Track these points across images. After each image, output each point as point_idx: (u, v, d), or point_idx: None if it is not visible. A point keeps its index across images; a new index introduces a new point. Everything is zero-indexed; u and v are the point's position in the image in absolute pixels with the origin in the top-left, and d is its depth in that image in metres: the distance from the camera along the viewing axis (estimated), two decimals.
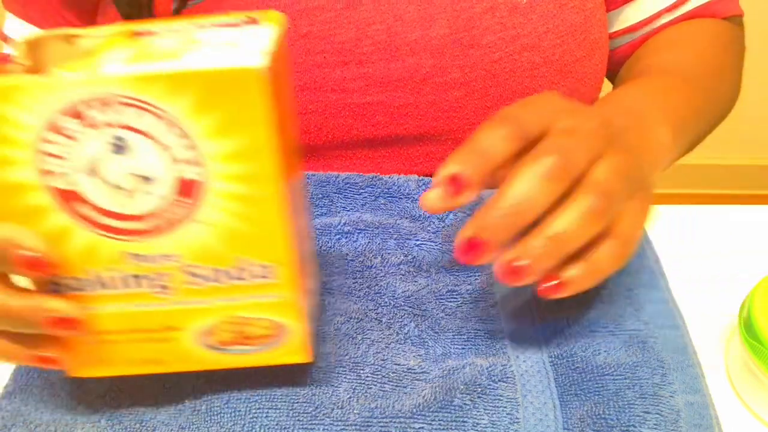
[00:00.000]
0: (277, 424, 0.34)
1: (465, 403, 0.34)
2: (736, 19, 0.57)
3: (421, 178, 0.46)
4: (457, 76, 0.46)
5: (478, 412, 0.34)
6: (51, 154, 0.27)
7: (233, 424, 0.34)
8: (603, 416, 0.34)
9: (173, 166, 0.27)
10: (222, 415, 0.34)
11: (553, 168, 0.30)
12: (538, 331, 0.39)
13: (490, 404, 0.34)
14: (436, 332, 0.39)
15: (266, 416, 0.34)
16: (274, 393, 0.35)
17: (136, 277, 0.30)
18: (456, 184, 0.30)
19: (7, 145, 0.26)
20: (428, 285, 0.41)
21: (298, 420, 0.34)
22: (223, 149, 0.27)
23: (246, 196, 0.28)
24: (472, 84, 0.46)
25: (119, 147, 0.27)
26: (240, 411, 0.34)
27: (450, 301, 0.40)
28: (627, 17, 0.55)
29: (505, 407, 0.34)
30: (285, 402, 0.35)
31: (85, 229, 0.28)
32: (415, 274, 0.41)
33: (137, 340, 0.32)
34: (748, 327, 0.36)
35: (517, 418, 0.34)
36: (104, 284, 0.30)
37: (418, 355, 0.38)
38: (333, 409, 0.34)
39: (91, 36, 0.30)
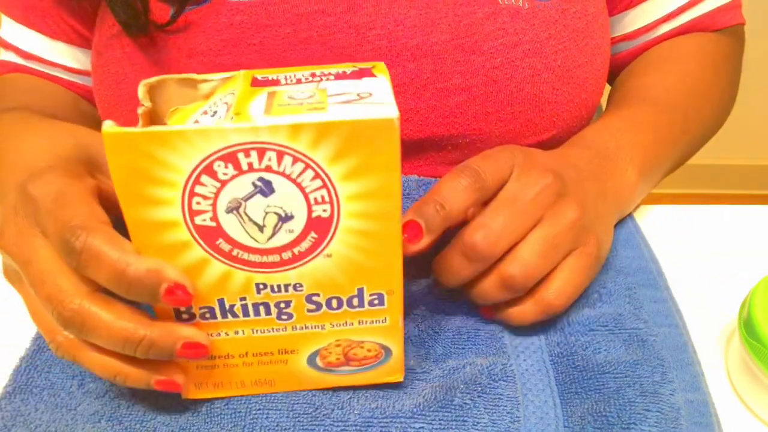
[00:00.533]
0: (277, 425, 0.34)
1: (465, 402, 0.34)
2: (736, 29, 0.57)
3: (421, 178, 0.46)
4: (458, 82, 0.46)
5: (478, 411, 0.34)
6: (198, 194, 0.28)
7: (233, 426, 0.34)
8: (603, 414, 0.34)
9: (308, 205, 0.29)
10: (222, 416, 0.34)
11: (475, 253, 0.35)
12: (538, 330, 0.39)
13: (491, 403, 0.34)
14: (436, 332, 0.39)
15: (266, 417, 0.34)
16: (274, 394, 0.35)
17: (261, 305, 0.32)
18: (413, 232, 0.34)
19: (159, 186, 0.28)
20: (428, 285, 0.41)
21: (298, 421, 0.34)
22: (355, 190, 0.29)
23: (371, 231, 0.30)
24: (473, 89, 0.46)
25: (262, 189, 0.28)
26: (240, 412, 0.34)
27: (450, 301, 0.40)
28: (627, 23, 0.55)
29: (505, 406, 0.34)
30: (285, 403, 0.35)
31: (220, 261, 0.30)
32: (415, 274, 0.41)
33: (253, 363, 0.34)
34: (748, 327, 0.36)
35: (517, 417, 0.34)
36: (231, 313, 0.32)
37: (418, 355, 0.38)
38: (333, 410, 0.34)
39: (209, 80, 0.31)
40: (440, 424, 0.34)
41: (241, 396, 0.35)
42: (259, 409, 0.34)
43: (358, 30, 0.45)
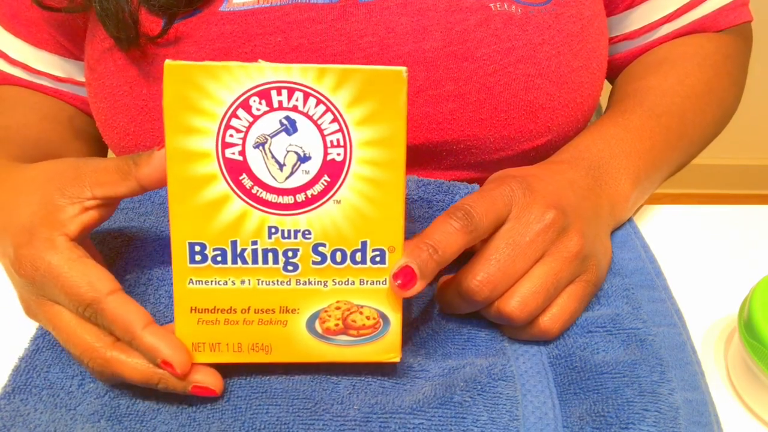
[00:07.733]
0: (277, 420, 0.34)
1: (465, 400, 0.34)
2: (741, 28, 0.56)
3: (420, 178, 0.46)
4: (451, 89, 0.45)
5: (477, 408, 0.34)
6: (233, 127, 0.32)
7: (234, 421, 0.34)
8: (602, 414, 0.34)
9: (324, 147, 0.32)
10: (223, 412, 0.34)
11: (473, 298, 0.36)
12: None
13: (490, 401, 0.34)
14: (436, 333, 0.39)
15: (266, 412, 0.34)
16: (275, 389, 0.35)
17: (270, 252, 0.33)
18: (407, 278, 0.33)
19: (201, 116, 0.32)
20: (428, 287, 0.41)
21: (298, 416, 0.34)
22: (367, 136, 0.32)
23: (378, 180, 0.33)
24: (466, 96, 0.46)
25: (287, 127, 0.32)
26: (240, 408, 0.34)
27: None
28: (628, 23, 0.55)
29: (504, 405, 0.34)
30: (285, 399, 0.35)
31: (240, 198, 0.33)
32: None
33: (253, 322, 0.34)
34: (748, 327, 0.36)
35: (516, 416, 0.34)
36: (241, 258, 0.33)
37: (418, 354, 0.38)
38: (333, 405, 0.34)
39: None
40: (439, 420, 0.34)
41: (241, 392, 0.35)
42: (259, 405, 0.34)
43: (349, 37, 0.45)
